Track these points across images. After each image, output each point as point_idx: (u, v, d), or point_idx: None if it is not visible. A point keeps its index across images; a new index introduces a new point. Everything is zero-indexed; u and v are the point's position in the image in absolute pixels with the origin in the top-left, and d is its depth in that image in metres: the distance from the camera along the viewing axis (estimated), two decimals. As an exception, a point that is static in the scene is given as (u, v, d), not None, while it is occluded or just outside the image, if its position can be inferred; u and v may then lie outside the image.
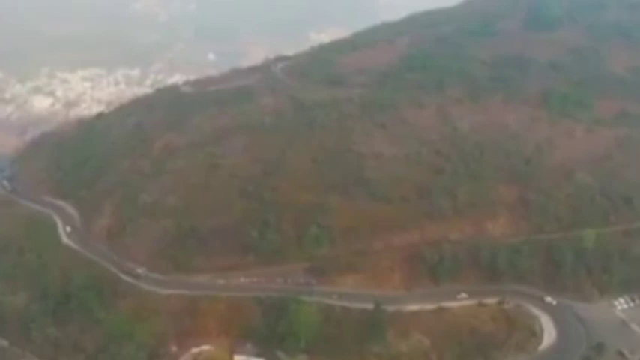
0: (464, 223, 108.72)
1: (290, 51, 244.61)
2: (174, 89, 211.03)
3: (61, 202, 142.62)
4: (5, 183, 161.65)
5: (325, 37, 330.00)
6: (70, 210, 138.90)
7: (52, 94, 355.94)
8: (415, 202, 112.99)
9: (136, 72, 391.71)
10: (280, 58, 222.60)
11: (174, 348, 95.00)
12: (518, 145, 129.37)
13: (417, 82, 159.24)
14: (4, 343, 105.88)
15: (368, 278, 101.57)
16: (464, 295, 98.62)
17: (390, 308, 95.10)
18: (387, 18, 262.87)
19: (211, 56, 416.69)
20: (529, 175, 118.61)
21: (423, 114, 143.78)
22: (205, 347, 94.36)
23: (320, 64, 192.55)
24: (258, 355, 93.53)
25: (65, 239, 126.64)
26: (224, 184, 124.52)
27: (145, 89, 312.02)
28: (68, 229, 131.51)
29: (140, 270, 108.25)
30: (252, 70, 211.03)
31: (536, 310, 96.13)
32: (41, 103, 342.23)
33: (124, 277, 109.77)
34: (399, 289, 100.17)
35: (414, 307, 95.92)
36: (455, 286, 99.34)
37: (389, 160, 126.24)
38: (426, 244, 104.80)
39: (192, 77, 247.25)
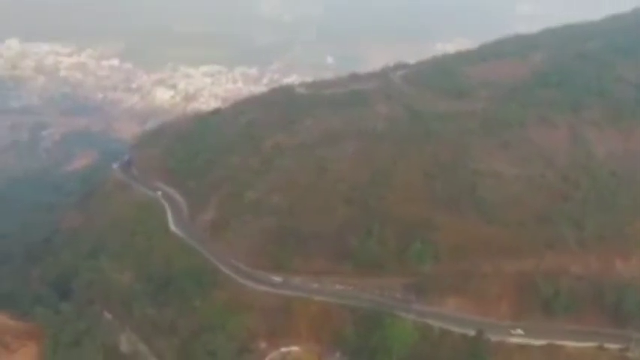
0: (589, 257, 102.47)
1: (412, 59, 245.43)
2: (289, 90, 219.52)
3: (171, 190, 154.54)
4: (126, 158, 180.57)
5: (451, 47, 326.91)
6: (179, 199, 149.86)
7: (173, 87, 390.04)
8: (534, 229, 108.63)
9: (253, 71, 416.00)
10: (401, 66, 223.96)
11: (263, 345, 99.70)
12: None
13: (549, 99, 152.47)
14: (108, 316, 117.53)
15: (472, 303, 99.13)
16: (519, 331, 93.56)
17: (494, 338, 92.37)
18: (522, 30, 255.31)
19: (330, 59, 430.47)
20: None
21: (553, 135, 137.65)
22: (294, 348, 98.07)
23: (442, 75, 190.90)
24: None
25: (172, 227, 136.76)
26: (330, 187, 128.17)
27: (261, 88, 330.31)
28: (159, 193, 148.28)
29: (277, 278, 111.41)
30: (371, 76, 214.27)
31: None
32: (163, 95, 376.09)
33: (224, 269, 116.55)
34: (505, 319, 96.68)
35: (520, 340, 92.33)
36: (570, 325, 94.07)
37: (509, 180, 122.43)
38: (541, 274, 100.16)
39: (308, 79, 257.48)
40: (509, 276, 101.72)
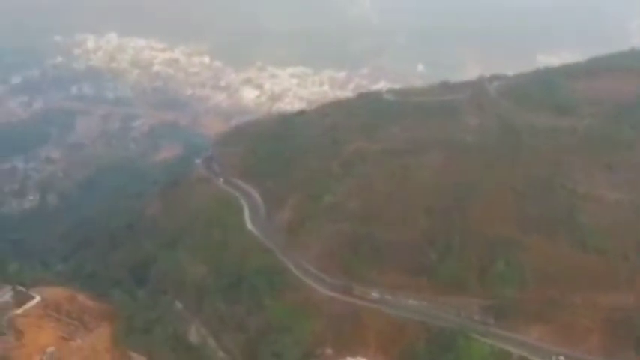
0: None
1: (509, 71, 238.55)
2: (376, 95, 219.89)
3: (249, 188, 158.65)
4: (209, 154, 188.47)
5: (555, 60, 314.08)
6: (257, 197, 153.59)
7: (260, 86, 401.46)
8: (635, 260, 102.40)
9: (341, 75, 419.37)
10: (496, 77, 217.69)
11: (329, 351, 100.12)
12: None
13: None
14: (179, 306, 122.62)
15: (558, 333, 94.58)
16: (561, 358, 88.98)
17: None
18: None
19: (420, 67, 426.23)
20: None
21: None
22: (361, 359, 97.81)
23: (543, 88, 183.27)
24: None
25: (248, 224, 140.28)
26: (410, 198, 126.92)
27: (347, 93, 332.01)
28: (221, 180, 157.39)
29: (388, 296, 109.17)
30: (463, 85, 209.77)
31: None
32: (249, 94, 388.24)
33: (295, 271, 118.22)
34: (594, 354, 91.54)
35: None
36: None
37: (610, 206, 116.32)
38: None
39: (397, 86, 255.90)
40: (602, 309, 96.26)
